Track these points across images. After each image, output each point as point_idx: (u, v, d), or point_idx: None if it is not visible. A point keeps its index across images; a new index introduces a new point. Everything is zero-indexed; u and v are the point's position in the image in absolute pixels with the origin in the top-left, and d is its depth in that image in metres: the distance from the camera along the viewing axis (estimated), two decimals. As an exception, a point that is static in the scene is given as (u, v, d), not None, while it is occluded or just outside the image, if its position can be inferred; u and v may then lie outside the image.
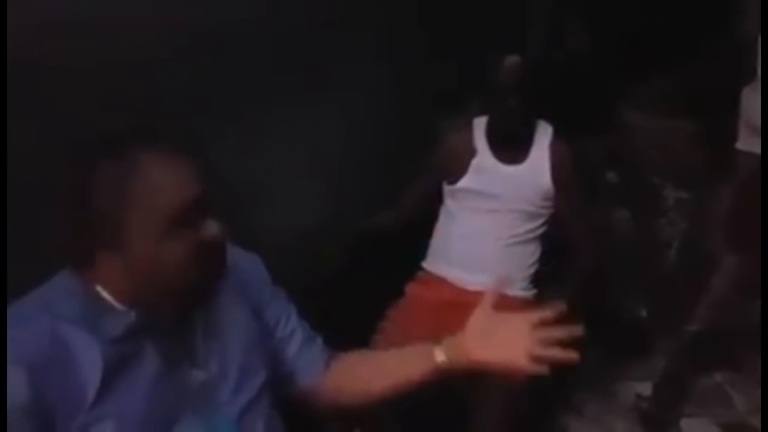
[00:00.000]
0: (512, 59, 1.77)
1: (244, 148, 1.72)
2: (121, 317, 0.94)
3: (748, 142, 2.07)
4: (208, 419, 0.96)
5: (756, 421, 2.30)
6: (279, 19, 1.73)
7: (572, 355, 1.00)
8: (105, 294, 0.94)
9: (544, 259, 1.95)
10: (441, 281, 1.93)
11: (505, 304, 1.83)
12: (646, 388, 2.41)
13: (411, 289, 1.95)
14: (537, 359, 1.01)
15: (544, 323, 1.04)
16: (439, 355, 1.08)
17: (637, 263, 2.69)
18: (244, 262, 1.10)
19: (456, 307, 1.88)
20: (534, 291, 1.93)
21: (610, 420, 2.32)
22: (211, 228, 0.93)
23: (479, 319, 1.09)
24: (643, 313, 2.65)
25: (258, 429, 1.01)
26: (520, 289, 1.91)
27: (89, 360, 0.89)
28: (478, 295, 1.87)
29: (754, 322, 2.26)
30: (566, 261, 1.91)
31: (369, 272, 1.94)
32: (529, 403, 1.76)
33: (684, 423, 2.31)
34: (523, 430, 1.69)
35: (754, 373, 2.36)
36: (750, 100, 1.98)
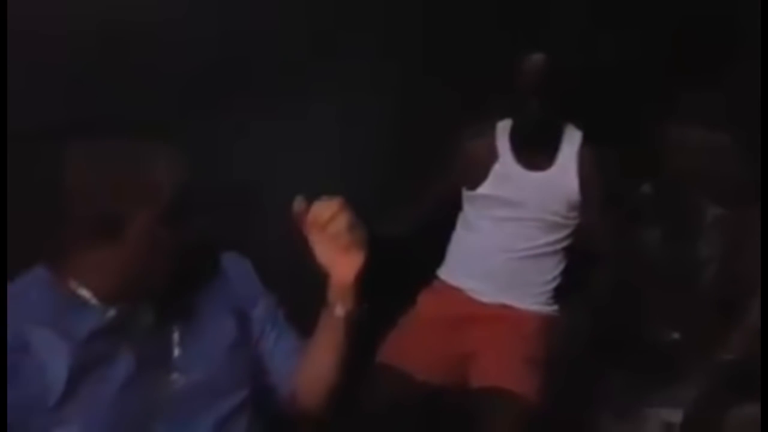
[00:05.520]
0: (535, 59, 1.66)
1: (250, 149, 1.70)
2: (96, 314, 0.91)
3: None
4: (184, 427, 0.94)
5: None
6: (284, 18, 1.70)
7: None
8: (82, 290, 0.92)
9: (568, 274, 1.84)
10: (455, 292, 1.84)
11: (518, 318, 1.77)
12: (675, 416, 2.27)
13: (423, 298, 1.87)
14: None
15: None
16: (339, 310, 1.03)
17: (672, 283, 2.56)
18: (233, 266, 1.08)
19: (469, 320, 1.80)
20: (554, 307, 1.82)
21: (637, 448, 2.19)
22: (200, 225, 0.94)
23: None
24: (676, 336, 2.51)
25: None
26: (537, 304, 1.81)
27: (55, 361, 0.87)
28: (493, 308, 1.81)
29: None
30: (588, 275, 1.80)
31: (380, 277, 1.86)
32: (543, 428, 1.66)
33: (714, 456, 2.16)
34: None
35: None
36: None
